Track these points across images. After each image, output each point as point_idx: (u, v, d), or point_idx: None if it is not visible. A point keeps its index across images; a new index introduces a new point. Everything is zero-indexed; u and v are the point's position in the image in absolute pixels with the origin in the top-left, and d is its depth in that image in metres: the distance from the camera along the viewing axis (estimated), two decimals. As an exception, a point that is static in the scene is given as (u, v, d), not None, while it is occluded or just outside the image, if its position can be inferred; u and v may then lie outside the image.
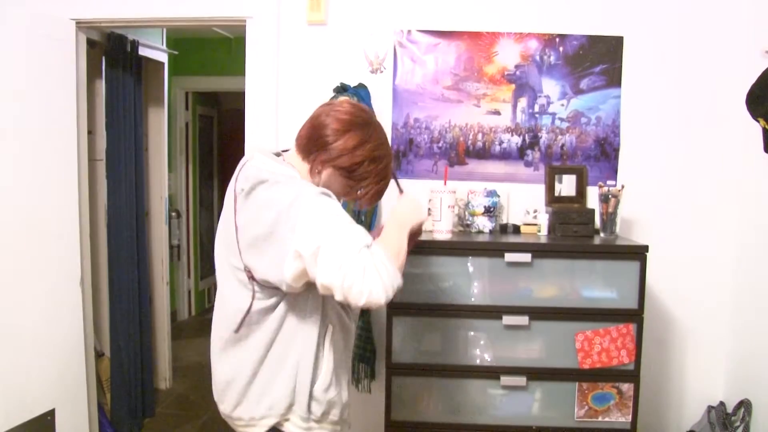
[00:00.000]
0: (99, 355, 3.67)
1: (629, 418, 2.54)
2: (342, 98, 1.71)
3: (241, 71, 3.09)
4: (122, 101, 3.64)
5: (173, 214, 5.50)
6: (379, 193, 1.74)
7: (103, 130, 3.64)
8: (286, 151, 1.75)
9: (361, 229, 1.48)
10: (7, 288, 2.79)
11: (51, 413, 2.97)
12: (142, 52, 3.89)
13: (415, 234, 1.71)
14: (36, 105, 2.92)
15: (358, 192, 1.71)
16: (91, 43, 3.35)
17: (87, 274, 3.29)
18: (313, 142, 1.66)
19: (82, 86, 3.21)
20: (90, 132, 3.44)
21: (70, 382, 3.12)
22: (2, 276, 2.78)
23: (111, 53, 3.56)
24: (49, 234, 3.01)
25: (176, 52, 4.62)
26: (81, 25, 3.15)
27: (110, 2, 3.09)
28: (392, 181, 1.79)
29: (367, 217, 2.83)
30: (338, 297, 1.42)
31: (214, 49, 5.54)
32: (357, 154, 1.64)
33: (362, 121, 1.66)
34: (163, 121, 4.35)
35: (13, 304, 2.81)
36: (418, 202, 1.73)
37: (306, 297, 1.63)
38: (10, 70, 2.80)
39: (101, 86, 3.64)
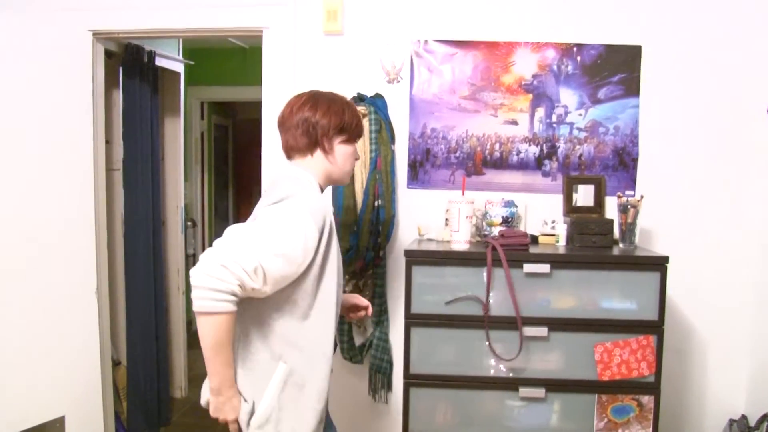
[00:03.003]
0: (116, 363, 3.68)
1: (650, 430, 2.51)
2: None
3: (256, 81, 3.10)
4: (139, 111, 3.67)
5: (189, 223, 5.51)
6: (360, 129, 1.98)
7: (120, 139, 3.66)
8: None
9: (262, 261, 1.60)
10: (21, 296, 2.81)
11: (60, 420, 2.98)
12: (159, 62, 3.91)
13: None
14: (54, 115, 2.95)
15: (356, 135, 1.94)
16: (108, 54, 3.37)
17: (103, 283, 3.30)
18: (308, 135, 1.86)
19: (99, 96, 3.23)
20: (107, 141, 3.46)
21: (83, 390, 3.13)
22: (17, 284, 2.79)
23: (128, 64, 3.59)
24: (66, 243, 3.03)
25: (192, 62, 4.64)
26: (98, 36, 3.17)
27: (127, 14, 3.11)
28: None
29: (384, 228, 2.82)
30: None
31: (229, 59, 5.56)
32: (337, 109, 1.87)
33: (311, 94, 1.91)
34: (179, 131, 4.37)
35: (27, 312, 2.83)
36: (228, 409, 1.73)
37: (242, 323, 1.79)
38: (29, 81, 2.83)
39: (119, 96, 3.66)
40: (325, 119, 1.85)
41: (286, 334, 1.76)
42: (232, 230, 1.67)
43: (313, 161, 1.88)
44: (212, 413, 1.70)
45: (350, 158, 1.94)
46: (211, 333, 1.61)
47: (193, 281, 1.57)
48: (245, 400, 1.74)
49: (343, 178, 1.96)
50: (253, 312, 1.75)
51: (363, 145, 2.84)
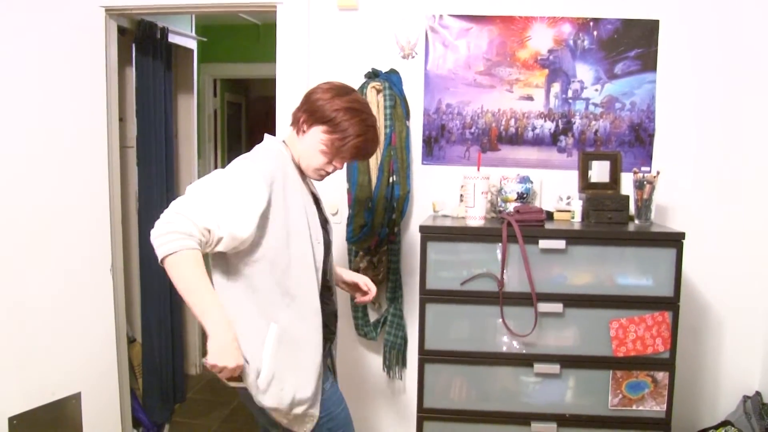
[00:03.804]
0: (131, 341, 3.71)
1: (664, 407, 2.51)
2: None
3: (269, 58, 3.08)
4: (152, 88, 3.66)
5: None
6: (359, 150, 1.91)
7: (133, 116, 3.66)
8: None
9: (214, 214, 1.66)
10: (36, 274, 2.82)
11: (77, 396, 3.00)
12: (172, 39, 3.90)
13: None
14: (67, 92, 2.94)
15: (342, 145, 1.87)
16: (121, 31, 3.36)
17: (118, 261, 3.31)
18: (299, 108, 1.92)
19: (112, 73, 3.22)
20: (121, 119, 3.46)
21: (99, 367, 3.15)
22: (32, 262, 2.81)
23: (141, 40, 3.57)
24: (80, 220, 3.04)
25: (205, 39, 4.62)
26: (111, 13, 3.15)
27: (141, -11, 3.10)
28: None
29: (398, 204, 2.82)
30: None
31: (243, 36, 5.53)
32: (335, 103, 1.85)
33: (341, 85, 1.94)
34: (193, 108, 4.37)
35: (43, 290, 2.84)
36: (224, 347, 1.69)
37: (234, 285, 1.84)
38: (41, 59, 2.81)
39: (132, 73, 3.65)
40: (317, 104, 1.87)
41: (270, 294, 1.82)
42: (188, 189, 1.74)
43: (291, 134, 1.96)
44: (210, 360, 1.65)
45: (316, 151, 1.89)
46: (180, 275, 1.64)
47: (152, 233, 1.65)
48: (247, 362, 1.78)
49: (306, 169, 1.94)
50: (238, 278, 1.82)
51: (378, 121, 2.82)
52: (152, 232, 1.65)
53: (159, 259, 1.64)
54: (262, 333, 1.82)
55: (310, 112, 1.88)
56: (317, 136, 1.87)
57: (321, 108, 1.86)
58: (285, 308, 1.84)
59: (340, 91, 1.90)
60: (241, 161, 1.84)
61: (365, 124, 1.89)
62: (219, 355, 1.67)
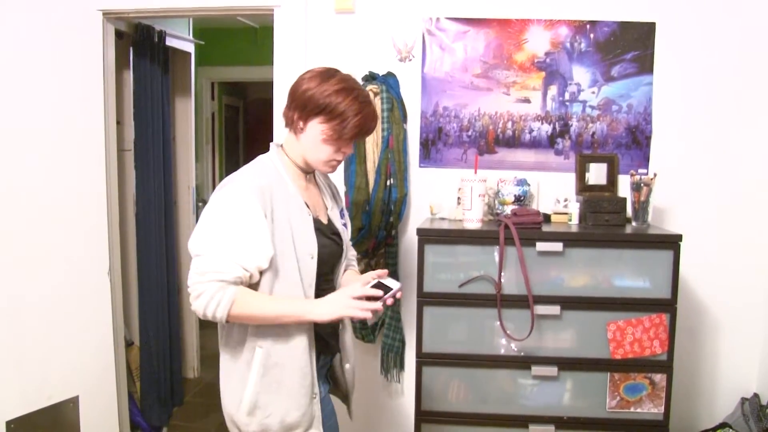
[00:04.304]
0: (128, 344, 3.71)
1: (662, 409, 2.51)
2: None
3: (266, 61, 3.09)
4: (150, 91, 3.66)
5: (200, 203, 5.52)
6: (361, 128, 1.79)
7: (131, 120, 3.66)
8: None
9: (234, 259, 1.65)
10: (34, 277, 2.82)
11: (74, 400, 3.00)
12: (169, 42, 3.90)
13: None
14: (64, 95, 2.94)
15: (343, 128, 1.77)
16: (119, 34, 3.36)
17: (115, 264, 3.31)
18: (288, 106, 1.82)
19: (110, 76, 3.22)
20: (118, 122, 3.45)
21: (97, 371, 3.15)
22: (30, 265, 2.81)
23: (139, 44, 3.58)
24: (78, 224, 3.04)
25: (202, 43, 4.63)
26: (108, 16, 3.15)
27: (137, -8, 3.10)
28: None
29: (396, 207, 2.82)
30: None
31: (240, 39, 5.55)
32: (324, 88, 1.74)
33: (323, 69, 1.81)
34: (190, 111, 4.37)
35: (40, 293, 2.85)
36: (340, 300, 1.71)
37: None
38: (39, 62, 2.82)
39: (129, 77, 3.66)
40: (306, 95, 1.76)
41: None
42: (195, 244, 1.69)
43: (289, 138, 1.86)
44: (341, 318, 1.80)
45: (319, 143, 1.79)
46: (253, 316, 1.68)
47: (197, 309, 1.65)
48: (234, 389, 1.78)
49: (316, 164, 1.84)
50: None
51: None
52: (196, 307, 1.64)
53: (218, 320, 1.66)
54: (249, 358, 1.76)
55: (302, 107, 1.77)
56: (316, 128, 1.77)
57: (312, 98, 1.74)
58: (268, 329, 1.75)
59: (324, 75, 1.78)
60: (227, 189, 1.73)
61: (360, 100, 1.77)
62: (344, 311, 1.69)
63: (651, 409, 2.52)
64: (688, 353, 2.95)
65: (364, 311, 1.66)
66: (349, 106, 1.74)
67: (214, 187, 6.10)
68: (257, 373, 1.75)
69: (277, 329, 1.75)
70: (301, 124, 1.79)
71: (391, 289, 1.75)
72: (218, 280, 1.62)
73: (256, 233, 1.67)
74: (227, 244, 1.65)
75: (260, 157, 1.87)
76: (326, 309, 1.69)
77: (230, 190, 1.71)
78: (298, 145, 1.83)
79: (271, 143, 1.93)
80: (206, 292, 1.62)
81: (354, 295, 1.69)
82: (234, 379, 1.78)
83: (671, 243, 2.45)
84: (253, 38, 5.48)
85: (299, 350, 1.78)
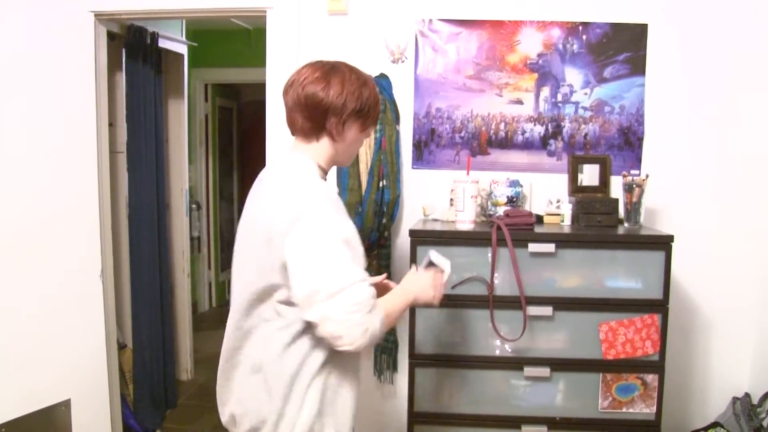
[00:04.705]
0: (121, 347, 3.69)
1: (653, 409, 2.52)
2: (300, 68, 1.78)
3: (260, 63, 3.08)
4: (142, 93, 3.65)
5: (193, 206, 5.52)
6: (378, 111, 1.81)
7: (123, 122, 3.65)
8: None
9: (361, 277, 1.56)
10: (25, 280, 2.81)
11: (66, 403, 2.99)
12: (162, 44, 3.89)
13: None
14: (56, 97, 2.93)
15: (373, 120, 1.78)
16: (111, 36, 3.35)
17: (108, 267, 3.30)
18: (316, 117, 1.68)
19: (102, 78, 3.21)
20: (111, 124, 3.45)
21: (89, 374, 3.14)
22: (21, 268, 2.80)
23: (131, 45, 3.56)
24: (70, 226, 3.03)
25: (195, 44, 4.62)
26: (100, 18, 3.15)
27: (130, -6, 3.09)
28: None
29: (388, 209, 2.82)
30: (323, 335, 1.55)
31: (234, 41, 5.54)
32: (352, 91, 1.68)
33: (328, 67, 1.72)
34: (183, 113, 4.36)
35: (32, 295, 2.84)
36: (430, 283, 1.82)
37: None
38: (30, 63, 2.81)
39: (122, 78, 3.64)
40: (338, 100, 1.66)
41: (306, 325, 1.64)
42: (326, 282, 1.53)
43: (319, 146, 1.72)
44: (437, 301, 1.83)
45: (360, 143, 1.80)
46: (388, 324, 1.65)
47: (357, 340, 1.53)
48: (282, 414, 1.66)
49: (347, 161, 1.84)
50: (289, 320, 1.63)
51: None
52: (363, 342, 1.54)
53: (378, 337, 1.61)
54: (312, 370, 1.65)
55: (339, 113, 1.67)
56: (354, 126, 1.71)
57: (347, 103, 1.67)
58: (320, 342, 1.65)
59: (333, 72, 1.69)
60: (320, 215, 1.57)
61: (371, 85, 1.75)
62: (434, 296, 1.82)
63: (643, 410, 2.52)
64: (680, 353, 2.96)
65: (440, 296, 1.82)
66: (372, 97, 1.74)
67: (207, 190, 6.14)
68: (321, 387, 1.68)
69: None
70: (341, 128, 1.70)
71: (443, 270, 1.89)
72: (368, 311, 1.54)
73: (358, 249, 1.63)
74: (352, 271, 1.56)
75: (307, 166, 1.70)
76: (425, 294, 1.80)
77: (325, 215, 1.58)
78: (331, 148, 1.73)
79: (290, 152, 1.76)
80: (369, 324, 1.54)
81: (435, 281, 1.82)
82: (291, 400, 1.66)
83: (663, 244, 2.46)
84: (246, 40, 5.47)
85: (355, 357, 1.78)
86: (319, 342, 1.61)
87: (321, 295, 1.51)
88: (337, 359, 1.67)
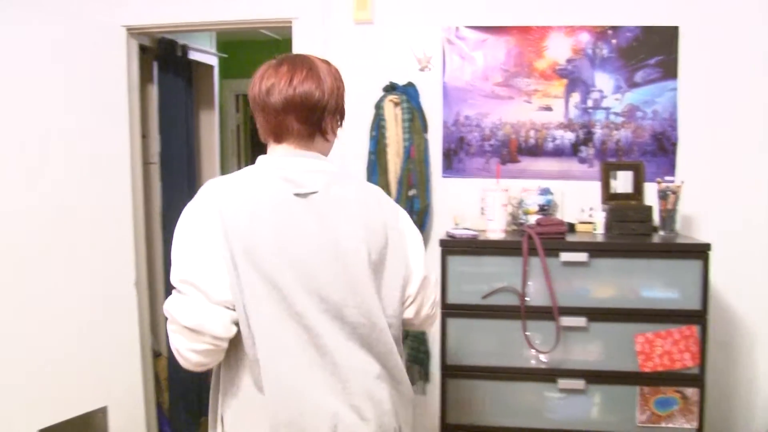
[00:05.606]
0: (157, 355, 3.73)
1: (695, 424, 2.45)
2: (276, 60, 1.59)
3: (290, 73, 3.08)
4: (174, 105, 3.69)
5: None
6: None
7: (156, 133, 3.69)
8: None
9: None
10: (63, 289, 2.86)
11: (103, 410, 3.03)
12: (192, 56, 3.93)
13: None
14: (89, 110, 2.98)
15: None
16: (142, 49, 3.40)
17: (142, 276, 3.35)
18: (313, 117, 1.52)
19: (134, 91, 3.26)
20: (144, 136, 3.49)
21: (125, 381, 3.18)
22: (58, 278, 2.84)
23: (162, 58, 3.61)
24: (104, 237, 3.07)
25: (226, 56, 4.65)
26: (132, 32, 3.19)
27: (160, 8, 3.13)
28: None
29: (418, 218, 2.80)
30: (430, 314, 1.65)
31: (264, 52, 5.48)
32: (338, 85, 1.57)
33: (307, 65, 1.56)
34: (215, 124, 4.39)
35: (69, 305, 2.88)
36: None
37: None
38: (65, 78, 2.86)
39: (154, 90, 3.68)
40: (331, 97, 1.53)
41: None
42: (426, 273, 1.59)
43: (314, 147, 1.55)
44: None
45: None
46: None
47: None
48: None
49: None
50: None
51: (396, 134, 2.81)
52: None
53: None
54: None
55: (341, 111, 1.59)
56: (338, 123, 1.60)
57: (339, 99, 1.57)
58: None
59: (319, 69, 1.56)
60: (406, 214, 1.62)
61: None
62: None
63: (683, 424, 2.45)
64: (721, 368, 2.86)
65: None
66: (344, 86, 1.62)
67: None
68: None
69: None
70: (335, 125, 1.59)
71: None
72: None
73: None
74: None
75: (342, 169, 1.69)
76: None
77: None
78: (329, 145, 1.61)
79: (314, 160, 1.54)
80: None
81: None
82: None
83: (700, 252, 2.39)
84: (276, 50, 5.44)
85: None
86: None
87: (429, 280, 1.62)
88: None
